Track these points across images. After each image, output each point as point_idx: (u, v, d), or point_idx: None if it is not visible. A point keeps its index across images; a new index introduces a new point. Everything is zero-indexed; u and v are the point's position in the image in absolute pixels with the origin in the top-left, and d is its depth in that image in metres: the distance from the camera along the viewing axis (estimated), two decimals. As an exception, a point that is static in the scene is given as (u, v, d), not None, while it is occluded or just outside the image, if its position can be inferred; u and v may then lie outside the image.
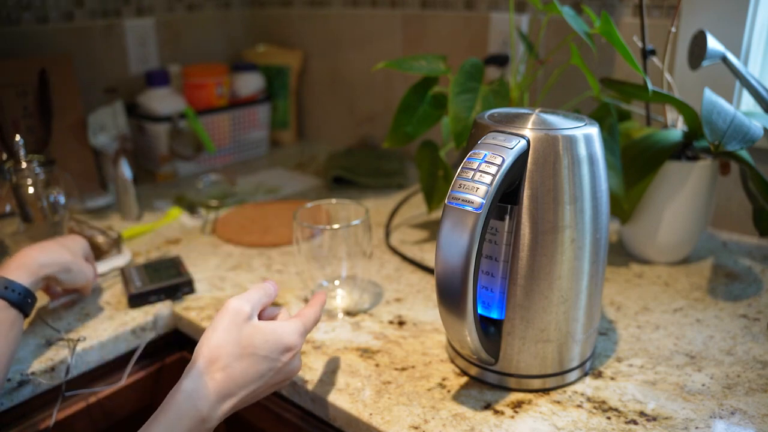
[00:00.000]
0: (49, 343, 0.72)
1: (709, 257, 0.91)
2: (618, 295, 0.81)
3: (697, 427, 0.57)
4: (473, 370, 0.65)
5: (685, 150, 0.85)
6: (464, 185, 0.54)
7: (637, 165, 0.83)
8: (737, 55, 0.90)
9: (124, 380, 0.76)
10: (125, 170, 1.05)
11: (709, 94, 0.74)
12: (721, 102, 0.73)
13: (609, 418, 0.58)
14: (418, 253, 0.94)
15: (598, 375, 0.65)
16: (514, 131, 0.57)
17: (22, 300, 0.64)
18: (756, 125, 0.71)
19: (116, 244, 0.91)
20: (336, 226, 0.75)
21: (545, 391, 0.63)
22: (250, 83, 1.43)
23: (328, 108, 1.52)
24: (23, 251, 0.69)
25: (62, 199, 0.86)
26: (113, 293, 0.83)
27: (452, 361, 0.67)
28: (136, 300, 0.79)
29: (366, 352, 0.69)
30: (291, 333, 0.56)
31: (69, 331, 0.74)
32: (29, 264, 0.67)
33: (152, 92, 1.26)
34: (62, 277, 0.71)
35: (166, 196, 1.19)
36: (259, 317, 0.59)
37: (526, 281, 0.59)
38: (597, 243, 0.60)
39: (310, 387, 0.64)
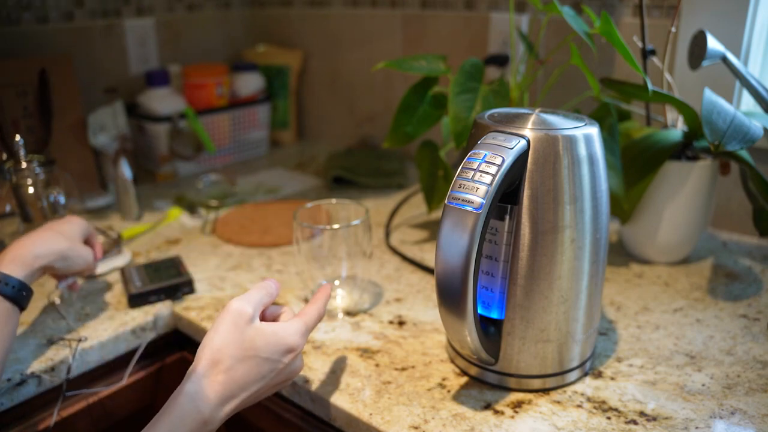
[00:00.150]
0: (50, 343, 0.72)
1: (709, 257, 0.91)
2: (618, 295, 0.81)
3: (697, 427, 0.57)
4: (473, 370, 0.65)
5: (685, 150, 0.85)
6: (464, 185, 0.54)
7: (637, 165, 0.83)
8: (737, 55, 0.90)
9: (125, 380, 0.76)
10: (125, 170, 1.05)
11: (709, 94, 0.74)
12: (721, 102, 0.73)
13: (609, 418, 0.58)
14: (418, 253, 0.94)
15: (598, 375, 0.65)
16: (514, 131, 0.57)
17: (16, 294, 0.63)
18: (756, 125, 0.71)
19: (116, 244, 0.91)
20: (336, 226, 0.75)
21: (545, 391, 0.63)
22: (250, 83, 1.43)
23: (328, 108, 1.52)
24: (17, 242, 0.67)
25: (62, 199, 0.86)
26: (113, 293, 0.83)
27: (452, 361, 0.68)
28: (136, 300, 0.79)
29: (366, 352, 0.69)
30: (293, 334, 0.56)
31: (70, 330, 0.74)
32: (24, 256, 0.66)
33: (152, 92, 1.26)
34: (59, 265, 0.69)
35: (166, 196, 1.19)
36: (262, 316, 0.59)
37: (526, 281, 0.59)
38: (597, 243, 0.60)
39: (310, 387, 0.64)
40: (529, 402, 0.61)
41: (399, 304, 0.80)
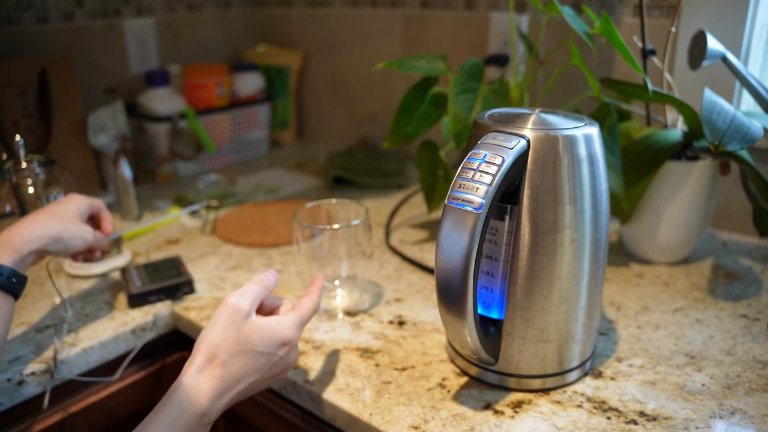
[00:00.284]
0: (49, 343, 0.72)
1: (709, 257, 0.91)
2: (618, 295, 0.81)
3: (697, 427, 0.57)
4: (473, 370, 0.65)
5: (685, 150, 0.85)
6: (464, 185, 0.54)
7: (637, 165, 0.83)
8: (737, 55, 0.90)
9: (119, 375, 0.75)
10: (125, 170, 1.05)
11: (709, 94, 0.74)
12: (721, 102, 0.73)
13: (609, 418, 0.58)
14: (418, 253, 0.94)
15: (598, 375, 0.65)
16: (514, 131, 0.57)
17: (6, 281, 0.62)
18: (756, 125, 0.71)
19: (116, 244, 0.91)
20: (336, 226, 0.75)
21: (545, 391, 0.63)
22: (250, 83, 1.43)
23: (328, 108, 1.52)
24: (8, 229, 0.66)
25: (62, 199, 0.86)
26: (113, 293, 0.83)
27: (452, 361, 0.68)
28: (136, 300, 0.79)
29: (366, 352, 0.69)
30: (287, 327, 0.58)
31: (70, 331, 0.74)
32: (13, 242, 0.64)
33: (152, 92, 1.26)
34: (53, 248, 0.68)
35: (166, 196, 1.19)
36: (260, 307, 0.60)
37: (526, 281, 0.59)
38: (597, 243, 0.60)
39: (310, 387, 0.64)
40: (529, 402, 0.61)
41: (399, 304, 0.80)
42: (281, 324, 0.57)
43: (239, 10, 1.56)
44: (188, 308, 0.79)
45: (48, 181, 0.85)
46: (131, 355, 0.76)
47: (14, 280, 0.63)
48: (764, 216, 0.79)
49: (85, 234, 0.72)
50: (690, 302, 0.79)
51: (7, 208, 0.85)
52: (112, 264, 0.89)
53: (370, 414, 0.60)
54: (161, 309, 0.79)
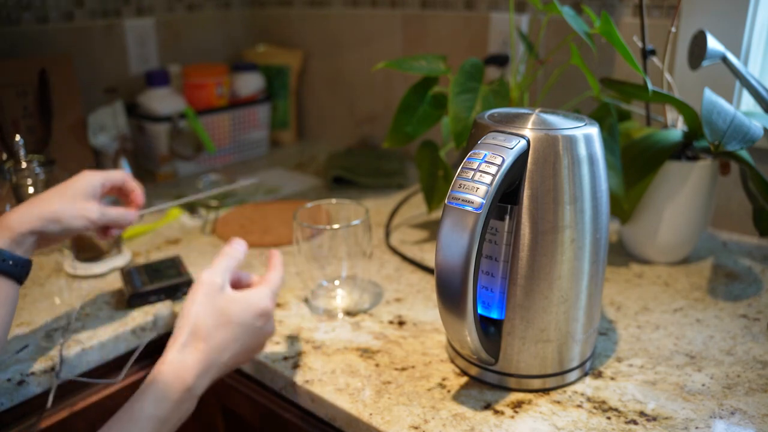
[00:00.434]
0: (50, 342, 0.72)
1: (709, 257, 0.91)
2: (618, 295, 0.81)
3: (697, 427, 0.57)
4: (473, 370, 0.65)
5: (685, 150, 0.85)
6: (464, 185, 0.54)
7: (637, 165, 0.83)
8: (737, 55, 0.90)
9: (123, 375, 0.76)
10: (125, 170, 1.05)
11: (709, 94, 0.74)
12: (721, 102, 0.73)
13: (609, 418, 0.58)
14: (418, 253, 0.94)
15: (598, 375, 0.65)
16: (514, 131, 0.57)
17: (1, 264, 0.60)
18: (756, 125, 0.71)
19: (116, 244, 0.91)
20: (336, 226, 0.75)
21: (545, 391, 0.63)
22: (250, 83, 1.43)
23: (328, 108, 1.52)
24: (9, 211, 0.65)
25: (62, 199, 0.85)
26: (113, 293, 0.83)
27: (452, 361, 0.68)
28: (136, 300, 0.79)
29: (366, 352, 0.69)
30: (263, 298, 0.60)
31: (70, 330, 0.74)
32: (8, 224, 0.62)
33: (152, 92, 1.26)
34: (51, 229, 0.64)
35: (166, 196, 1.19)
36: (233, 284, 0.63)
37: (526, 281, 0.59)
38: (597, 243, 0.60)
39: (310, 387, 0.64)
40: (529, 402, 0.61)
41: (399, 304, 0.80)
42: (256, 295, 0.60)
43: (239, 10, 1.56)
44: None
45: (48, 181, 0.85)
46: (134, 356, 0.76)
47: (11, 262, 0.61)
48: (764, 216, 0.79)
49: (86, 212, 0.67)
50: (690, 302, 0.79)
51: (7, 208, 0.85)
52: (112, 264, 0.89)
53: (370, 414, 0.60)
54: (161, 309, 0.79)
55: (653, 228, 0.86)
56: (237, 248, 0.64)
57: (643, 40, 0.84)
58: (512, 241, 0.58)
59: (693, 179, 0.83)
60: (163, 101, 1.26)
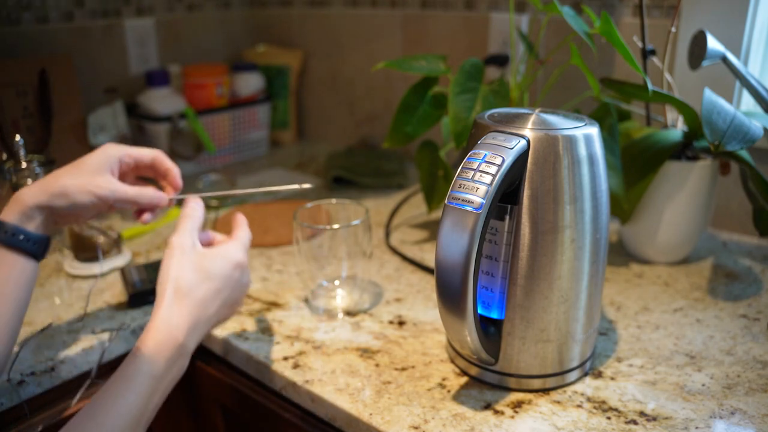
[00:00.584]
0: (50, 343, 0.72)
1: (709, 257, 0.91)
2: (618, 295, 0.81)
3: (697, 427, 0.57)
4: (473, 370, 0.65)
5: (685, 150, 0.85)
6: (464, 185, 0.54)
7: (637, 165, 0.83)
8: (737, 55, 0.90)
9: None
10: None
11: (709, 94, 0.74)
12: (721, 102, 0.73)
13: (609, 418, 0.58)
14: (418, 253, 0.94)
15: (598, 375, 0.65)
16: (514, 131, 0.57)
17: (10, 239, 0.59)
18: (756, 125, 0.71)
19: (116, 244, 0.91)
20: (336, 226, 0.75)
21: (545, 391, 0.63)
22: (250, 83, 1.43)
23: (328, 108, 1.52)
24: (19, 190, 0.63)
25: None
26: (113, 293, 0.83)
27: (452, 361, 0.68)
28: (137, 300, 0.79)
29: (366, 352, 0.69)
30: (237, 251, 0.62)
31: (70, 330, 0.74)
32: (20, 197, 0.61)
33: (152, 92, 1.26)
34: (58, 203, 0.62)
35: (166, 196, 1.18)
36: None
37: (526, 281, 0.59)
38: (597, 243, 0.60)
39: (310, 387, 0.64)
40: (529, 402, 0.61)
41: (399, 304, 0.80)
42: (230, 249, 0.62)
43: (239, 10, 1.56)
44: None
45: (48, 181, 0.85)
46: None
47: (21, 237, 0.60)
48: (764, 216, 0.79)
49: (93, 188, 0.63)
50: (690, 302, 0.79)
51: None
52: (112, 264, 0.89)
53: (370, 414, 0.60)
54: (161, 309, 0.79)
55: (653, 228, 0.86)
56: (195, 207, 0.64)
57: (643, 40, 0.84)
58: (512, 241, 0.58)
59: (693, 179, 0.83)
60: (163, 101, 1.26)
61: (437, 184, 0.96)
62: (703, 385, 0.63)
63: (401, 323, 0.75)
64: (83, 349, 0.72)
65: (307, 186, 0.68)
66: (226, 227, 1.03)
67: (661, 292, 0.81)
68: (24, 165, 0.84)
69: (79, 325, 0.76)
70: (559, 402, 0.61)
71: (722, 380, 0.64)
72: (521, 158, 0.56)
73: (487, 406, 0.61)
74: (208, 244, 0.66)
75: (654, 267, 0.88)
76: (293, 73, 1.51)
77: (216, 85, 1.34)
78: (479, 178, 0.53)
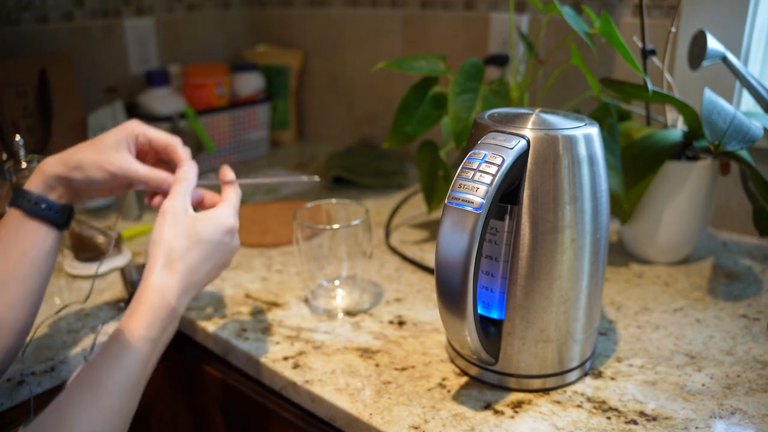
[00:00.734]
0: (49, 343, 0.72)
1: (709, 257, 0.91)
2: (618, 295, 0.81)
3: (697, 427, 0.57)
4: (473, 370, 0.65)
5: (685, 150, 0.85)
6: (464, 185, 0.54)
7: (637, 165, 0.83)
8: (737, 55, 0.90)
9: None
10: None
11: (709, 94, 0.74)
12: (721, 102, 0.73)
13: (609, 418, 0.58)
14: (418, 253, 0.94)
15: (598, 375, 0.65)
16: (514, 131, 0.57)
17: (32, 207, 0.61)
18: (756, 125, 0.71)
19: (116, 244, 0.91)
20: (336, 226, 0.75)
21: (545, 391, 0.63)
22: (250, 83, 1.43)
23: (328, 108, 1.52)
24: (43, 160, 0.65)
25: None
26: (113, 293, 0.83)
27: (452, 361, 0.67)
28: (136, 300, 0.79)
29: (366, 352, 0.69)
30: (228, 216, 0.62)
31: (70, 330, 0.74)
32: (42, 167, 0.63)
33: (152, 92, 1.26)
34: (75, 176, 0.63)
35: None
36: (194, 206, 0.64)
37: (526, 281, 0.59)
38: (597, 243, 0.60)
39: (310, 387, 0.64)
40: (529, 402, 0.61)
41: (399, 304, 0.80)
42: (221, 213, 0.62)
43: (239, 10, 1.56)
44: (188, 308, 0.79)
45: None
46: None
47: (43, 206, 0.62)
48: (764, 216, 0.79)
49: (106, 164, 0.63)
50: (690, 302, 0.79)
51: (7, 208, 0.84)
52: (112, 264, 0.89)
53: (370, 414, 0.60)
54: (161, 309, 0.79)
55: (653, 228, 0.86)
56: (188, 170, 0.65)
57: (643, 40, 0.84)
58: (512, 241, 0.58)
59: (693, 179, 0.82)
60: (163, 101, 1.26)
61: (437, 184, 0.96)
62: (703, 385, 0.63)
63: (401, 323, 0.75)
64: (83, 349, 0.72)
65: (315, 179, 0.68)
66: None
67: (661, 292, 0.81)
68: (24, 165, 0.84)
69: (79, 325, 0.76)
70: (559, 402, 0.61)
71: (722, 380, 0.64)
72: (521, 158, 0.56)
73: (487, 406, 0.61)
74: (198, 203, 0.67)
75: (654, 267, 0.88)
76: (293, 73, 1.51)
77: (216, 85, 1.34)
78: (479, 178, 0.53)
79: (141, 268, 0.84)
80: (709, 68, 0.88)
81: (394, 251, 0.94)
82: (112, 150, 0.64)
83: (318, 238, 0.76)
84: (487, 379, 0.64)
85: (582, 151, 0.57)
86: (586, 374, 0.65)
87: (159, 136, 0.67)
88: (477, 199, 0.53)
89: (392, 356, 0.69)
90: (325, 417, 0.64)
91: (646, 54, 0.85)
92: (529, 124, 0.58)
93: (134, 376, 0.53)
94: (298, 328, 0.75)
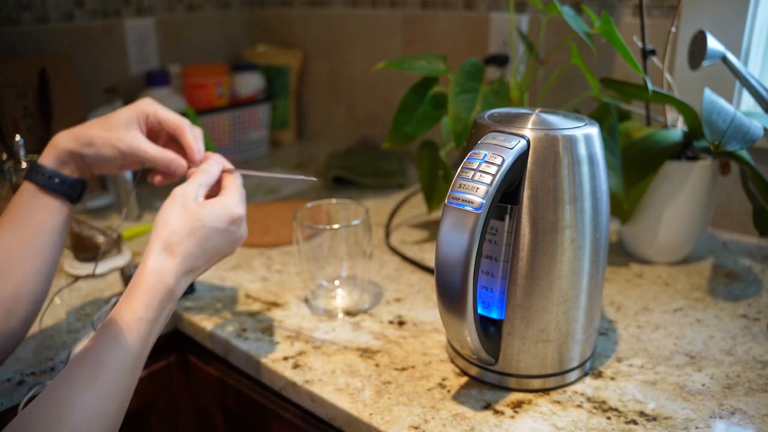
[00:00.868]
0: (50, 343, 0.72)
1: (709, 257, 0.91)
2: (618, 295, 0.81)
3: (697, 427, 0.57)
4: (473, 370, 0.65)
5: (685, 150, 0.85)
6: (464, 185, 0.54)
7: (637, 165, 0.83)
8: (737, 55, 0.90)
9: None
10: (127, 173, 1.05)
11: (709, 94, 0.74)
12: (721, 102, 0.73)
13: (609, 418, 0.58)
14: (418, 253, 0.94)
15: (598, 375, 0.65)
16: (514, 131, 0.57)
17: (46, 182, 0.63)
18: (756, 125, 0.71)
19: (116, 244, 0.91)
20: (336, 226, 0.75)
21: (545, 391, 0.63)
22: (250, 83, 1.43)
23: (328, 108, 1.52)
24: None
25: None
26: (113, 293, 0.83)
27: (452, 361, 0.67)
28: (136, 300, 0.79)
29: (366, 352, 0.69)
30: (234, 204, 0.62)
31: (70, 330, 0.74)
32: (55, 142, 0.64)
33: (152, 92, 1.26)
34: (86, 152, 0.64)
35: (166, 196, 1.18)
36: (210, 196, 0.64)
37: (526, 281, 0.59)
38: (597, 243, 0.60)
39: (309, 387, 0.64)
40: (529, 402, 0.61)
41: (399, 304, 0.80)
42: (228, 202, 0.61)
43: (239, 10, 1.56)
44: (188, 308, 0.79)
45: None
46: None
47: (57, 180, 0.63)
48: (764, 216, 0.79)
49: (115, 142, 0.64)
50: (690, 302, 0.79)
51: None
52: (112, 264, 0.89)
53: (370, 414, 0.60)
54: (161, 309, 0.79)
55: (653, 228, 0.86)
56: (213, 165, 0.65)
57: (643, 40, 0.84)
58: (512, 241, 0.58)
59: (693, 179, 0.83)
60: (163, 101, 1.24)
61: (437, 184, 0.96)
62: (703, 385, 0.63)
63: (401, 323, 0.75)
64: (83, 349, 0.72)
65: (312, 179, 0.68)
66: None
67: (661, 292, 0.81)
68: (24, 165, 0.84)
69: (78, 325, 0.76)
70: (559, 402, 0.61)
71: (722, 380, 0.64)
72: (521, 158, 0.56)
73: (487, 406, 0.61)
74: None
75: (654, 267, 0.88)
76: (293, 73, 1.51)
77: (216, 85, 1.34)
78: (479, 178, 0.53)
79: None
80: (709, 68, 0.88)
81: (394, 251, 0.94)
82: (122, 128, 0.65)
83: (318, 238, 0.76)
84: (487, 379, 0.64)
85: (582, 151, 0.57)
86: (586, 374, 0.65)
87: (169, 117, 0.67)
88: (477, 199, 0.53)
89: (392, 356, 0.69)
90: (325, 417, 0.64)
91: (646, 54, 0.85)
92: (529, 124, 0.58)
93: (133, 354, 0.53)
94: (298, 328, 0.75)
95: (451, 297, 0.54)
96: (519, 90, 0.90)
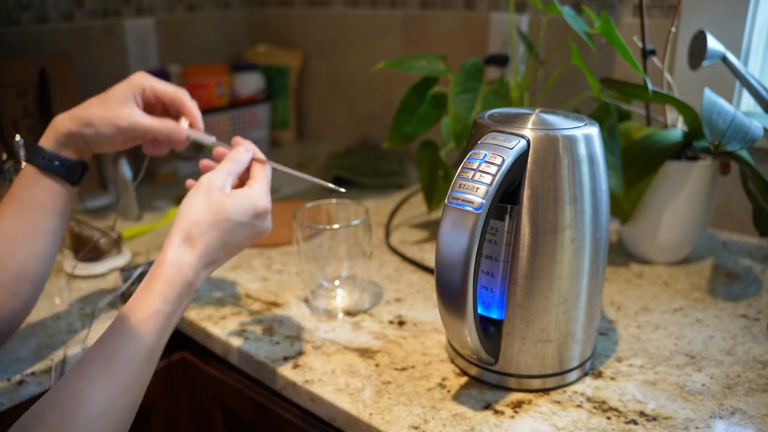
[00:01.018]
0: (50, 343, 0.72)
1: (709, 257, 0.91)
2: (618, 295, 0.81)
3: (697, 427, 0.57)
4: (473, 370, 0.65)
5: (685, 150, 0.85)
6: (464, 185, 0.54)
7: (637, 165, 0.83)
8: (737, 55, 0.90)
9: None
10: (125, 170, 1.05)
11: (709, 94, 0.74)
12: (721, 102, 0.73)
13: (609, 418, 0.58)
14: (418, 253, 0.94)
15: (598, 375, 0.65)
16: (514, 131, 0.57)
17: (46, 164, 0.63)
18: (756, 125, 0.71)
19: (116, 244, 0.91)
20: (336, 226, 0.75)
21: (545, 391, 0.63)
22: (250, 83, 1.43)
23: (328, 108, 1.52)
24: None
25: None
26: (113, 293, 0.83)
27: (452, 361, 0.67)
28: (136, 300, 0.79)
29: (366, 352, 0.69)
30: (260, 197, 0.60)
31: (70, 330, 0.74)
32: (55, 123, 0.64)
33: (152, 92, 1.26)
34: (86, 132, 0.64)
35: (166, 196, 1.18)
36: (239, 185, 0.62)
37: (526, 281, 0.59)
38: (597, 243, 0.60)
39: (309, 387, 0.64)
40: (529, 402, 0.61)
41: (399, 304, 0.80)
42: (254, 194, 0.60)
43: (239, 10, 1.56)
44: (188, 308, 0.79)
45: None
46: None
47: (57, 162, 0.63)
48: (764, 216, 0.79)
49: (115, 119, 0.64)
50: (690, 302, 0.79)
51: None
52: (112, 264, 0.89)
53: (370, 414, 0.60)
54: (161, 309, 0.79)
55: (653, 228, 0.86)
56: (242, 152, 0.64)
57: (643, 40, 0.84)
58: (512, 241, 0.58)
59: (693, 179, 0.82)
60: (163, 101, 1.25)
61: (437, 184, 0.96)
62: (703, 385, 0.63)
63: (401, 323, 0.75)
64: (83, 349, 0.72)
65: (341, 190, 0.66)
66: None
67: (661, 292, 0.81)
68: (24, 165, 0.84)
69: (78, 326, 0.76)
70: (559, 402, 0.61)
71: (722, 380, 0.64)
72: (521, 158, 0.56)
73: (487, 406, 0.61)
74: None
75: (654, 267, 0.88)
76: (293, 73, 1.51)
77: (216, 85, 1.34)
78: (479, 178, 0.53)
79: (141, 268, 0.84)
80: (709, 68, 0.88)
81: (394, 251, 0.94)
82: (120, 105, 0.65)
83: (318, 238, 0.76)
84: (487, 379, 0.64)
85: (582, 151, 0.57)
86: (586, 374, 0.65)
87: (166, 88, 0.67)
88: (477, 199, 0.53)
89: (392, 356, 0.69)
90: (325, 417, 0.64)
91: (646, 54, 0.85)
92: (529, 124, 0.58)
93: (148, 348, 0.52)
94: (298, 328, 0.75)
95: (451, 297, 0.54)
96: (519, 90, 0.90)
